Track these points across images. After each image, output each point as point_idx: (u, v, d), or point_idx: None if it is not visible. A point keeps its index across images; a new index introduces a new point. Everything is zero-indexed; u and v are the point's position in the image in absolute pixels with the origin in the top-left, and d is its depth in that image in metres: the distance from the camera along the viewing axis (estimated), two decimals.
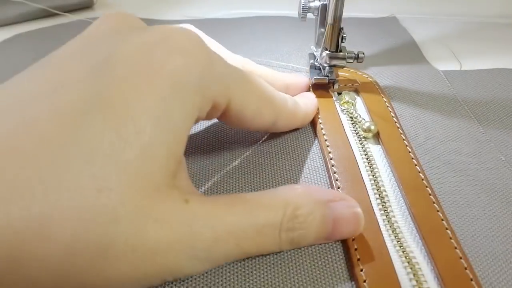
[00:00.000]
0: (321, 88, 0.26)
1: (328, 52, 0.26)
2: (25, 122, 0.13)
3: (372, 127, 0.23)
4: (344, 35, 0.25)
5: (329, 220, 0.16)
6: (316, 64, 0.28)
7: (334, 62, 0.26)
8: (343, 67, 0.26)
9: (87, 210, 0.12)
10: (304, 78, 0.26)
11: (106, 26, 0.17)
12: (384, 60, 0.31)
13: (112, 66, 0.14)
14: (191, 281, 0.16)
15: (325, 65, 0.26)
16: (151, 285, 0.14)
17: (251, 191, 0.20)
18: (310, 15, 0.26)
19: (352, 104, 0.26)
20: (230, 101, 0.17)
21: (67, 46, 0.17)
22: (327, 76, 0.26)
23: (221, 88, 0.16)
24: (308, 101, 0.24)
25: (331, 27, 0.25)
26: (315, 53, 0.28)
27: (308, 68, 0.29)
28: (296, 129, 0.24)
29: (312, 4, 0.26)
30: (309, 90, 0.26)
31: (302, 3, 0.26)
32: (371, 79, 0.28)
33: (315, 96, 0.25)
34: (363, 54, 0.26)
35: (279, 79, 0.24)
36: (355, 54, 0.26)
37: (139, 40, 0.15)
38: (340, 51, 0.26)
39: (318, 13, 0.26)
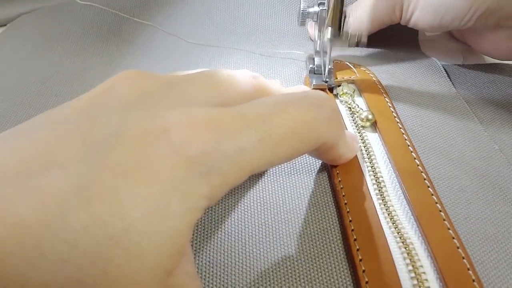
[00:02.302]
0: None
1: (330, 29, 0.25)
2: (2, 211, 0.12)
3: (370, 117, 0.23)
4: (345, 15, 0.25)
5: None
6: (315, 66, 0.28)
7: (337, 43, 0.25)
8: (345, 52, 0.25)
9: None
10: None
11: (113, 93, 0.16)
12: (382, 52, 0.32)
13: (108, 155, 0.13)
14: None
15: (328, 45, 0.25)
16: None
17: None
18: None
19: (351, 96, 0.26)
20: (252, 170, 0.14)
21: (66, 109, 0.15)
22: (326, 82, 0.27)
23: (235, 169, 0.14)
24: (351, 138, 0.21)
25: (333, 6, 0.24)
26: (314, 55, 0.28)
27: (308, 72, 0.29)
28: None
29: (311, 10, 0.26)
30: None
31: (301, 9, 0.26)
32: (368, 72, 0.28)
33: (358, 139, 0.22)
34: (366, 37, 0.25)
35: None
36: (357, 35, 0.25)
37: (140, 129, 0.13)
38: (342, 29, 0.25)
39: (317, 19, 0.26)
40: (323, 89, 0.27)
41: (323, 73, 0.27)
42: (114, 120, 0.14)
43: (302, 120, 0.15)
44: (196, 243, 0.18)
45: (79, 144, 0.13)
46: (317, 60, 0.28)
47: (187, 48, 0.35)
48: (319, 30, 0.27)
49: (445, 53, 0.32)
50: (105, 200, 0.12)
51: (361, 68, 0.29)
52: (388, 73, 0.29)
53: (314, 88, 0.27)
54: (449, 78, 0.29)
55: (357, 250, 0.17)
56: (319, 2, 0.26)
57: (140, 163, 0.12)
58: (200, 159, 0.13)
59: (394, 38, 0.33)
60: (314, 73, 0.28)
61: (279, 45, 0.34)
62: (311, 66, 0.28)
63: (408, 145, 0.22)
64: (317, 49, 0.28)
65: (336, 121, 0.17)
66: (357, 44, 0.25)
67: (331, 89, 0.27)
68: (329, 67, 0.27)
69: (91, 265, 0.11)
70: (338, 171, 0.20)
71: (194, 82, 0.17)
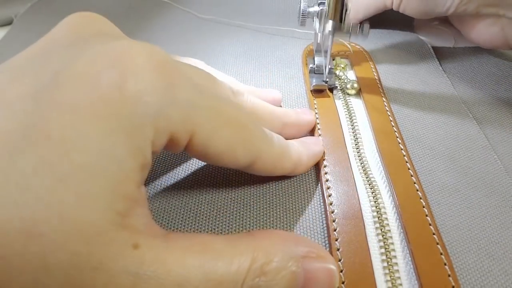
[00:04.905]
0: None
1: (331, 23, 0.24)
2: None
3: (355, 85, 0.26)
4: (346, 8, 0.24)
5: (300, 279, 0.14)
6: (316, 66, 0.27)
7: (338, 37, 0.25)
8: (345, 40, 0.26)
9: (11, 258, 0.11)
10: (308, 116, 0.23)
11: (67, 30, 0.16)
12: (377, 33, 0.34)
13: (56, 90, 0.12)
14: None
15: (329, 38, 0.25)
16: None
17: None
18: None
19: (343, 68, 0.29)
20: (193, 134, 0.14)
21: (25, 52, 0.15)
22: (326, 82, 0.26)
23: (180, 119, 0.14)
24: (308, 146, 0.21)
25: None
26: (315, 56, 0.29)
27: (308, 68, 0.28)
28: None
29: (311, 10, 0.26)
30: (313, 130, 0.24)
31: (301, 9, 0.25)
32: (362, 50, 0.31)
33: (321, 141, 0.22)
34: (368, 24, 0.25)
35: (276, 118, 0.22)
36: (359, 26, 0.25)
37: (90, 59, 0.13)
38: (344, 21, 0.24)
39: (318, 16, 0.26)
40: (322, 90, 0.26)
41: (324, 70, 0.27)
42: (66, 55, 0.14)
43: (248, 129, 0.16)
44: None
45: (30, 81, 0.13)
46: (317, 60, 0.27)
47: (200, 25, 0.38)
48: (319, 29, 0.26)
49: (438, 37, 0.34)
50: (52, 140, 0.12)
51: (356, 46, 0.31)
52: (380, 50, 0.31)
53: (314, 89, 0.26)
54: (438, 58, 0.31)
55: (328, 188, 0.20)
56: (319, 1, 0.26)
57: (87, 98, 0.12)
58: (148, 98, 0.13)
59: (390, 23, 0.35)
60: (314, 73, 0.27)
61: (285, 26, 0.37)
62: (311, 66, 0.27)
63: (387, 110, 0.24)
64: (317, 47, 0.29)
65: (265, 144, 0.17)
66: (359, 34, 0.25)
67: (331, 89, 0.26)
68: (330, 66, 0.26)
69: (45, 208, 0.11)
70: (319, 127, 0.23)
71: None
